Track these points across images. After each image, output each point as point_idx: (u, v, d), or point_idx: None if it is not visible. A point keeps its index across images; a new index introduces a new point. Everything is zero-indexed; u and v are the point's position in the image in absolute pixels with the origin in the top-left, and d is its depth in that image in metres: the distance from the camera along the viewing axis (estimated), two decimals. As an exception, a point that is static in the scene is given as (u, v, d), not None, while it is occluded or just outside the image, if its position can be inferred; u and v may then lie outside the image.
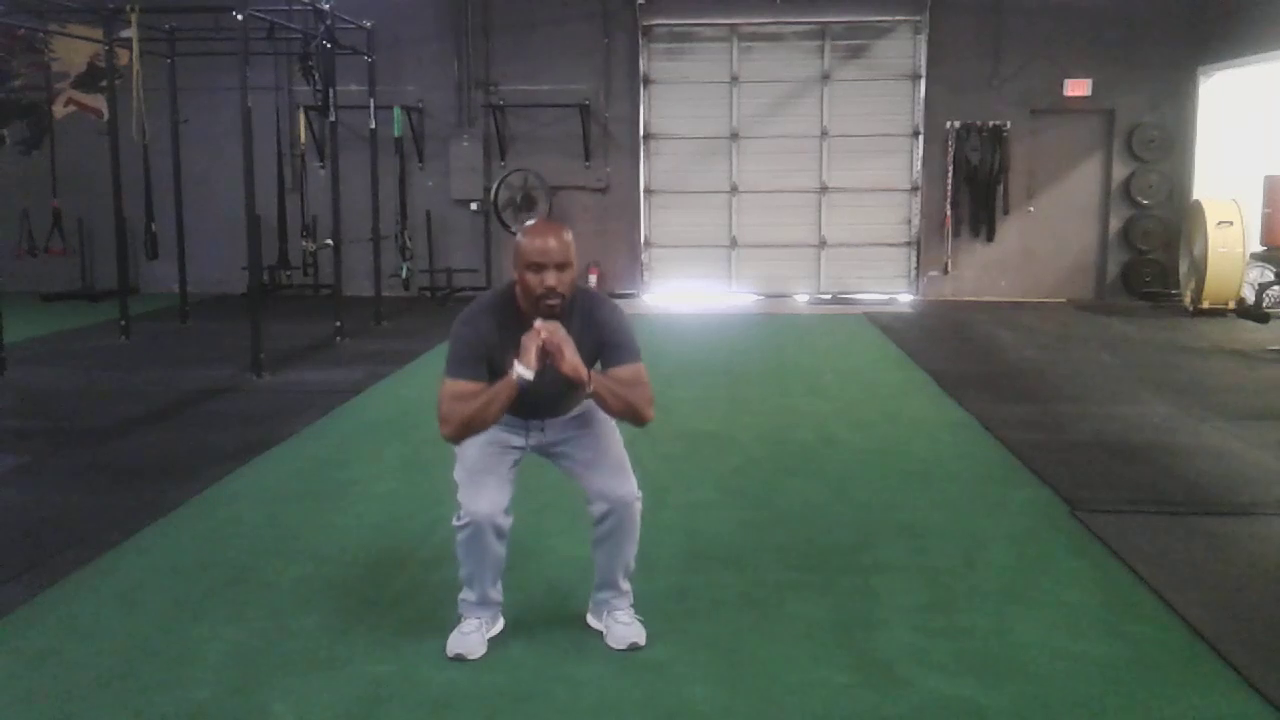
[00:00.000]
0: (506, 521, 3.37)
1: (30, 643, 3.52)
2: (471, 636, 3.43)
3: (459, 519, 3.35)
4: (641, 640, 3.48)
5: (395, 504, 5.00)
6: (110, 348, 9.36)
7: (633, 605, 3.58)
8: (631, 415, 3.29)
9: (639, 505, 3.45)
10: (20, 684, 3.25)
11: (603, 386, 3.24)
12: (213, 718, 3.05)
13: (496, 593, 3.50)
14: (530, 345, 3.16)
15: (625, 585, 3.56)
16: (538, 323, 3.19)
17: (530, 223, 3.34)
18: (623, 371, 3.29)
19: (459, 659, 3.37)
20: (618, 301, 3.49)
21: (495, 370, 3.25)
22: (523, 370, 3.15)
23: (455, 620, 3.49)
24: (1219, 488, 5.23)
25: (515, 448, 3.46)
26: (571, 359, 3.15)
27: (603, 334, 3.31)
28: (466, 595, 3.48)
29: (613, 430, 3.51)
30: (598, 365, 3.33)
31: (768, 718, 3.07)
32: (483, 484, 3.35)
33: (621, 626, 3.51)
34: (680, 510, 4.92)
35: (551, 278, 3.18)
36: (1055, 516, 4.82)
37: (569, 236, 3.24)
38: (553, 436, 3.48)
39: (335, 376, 8.02)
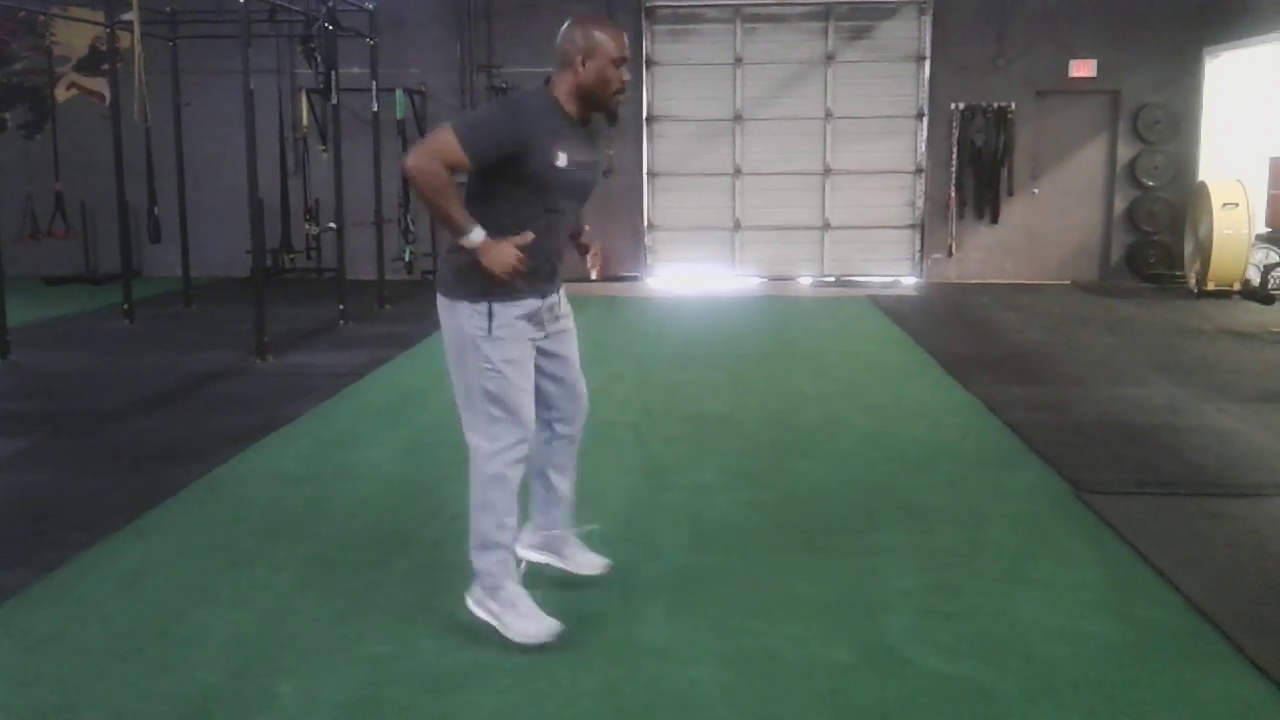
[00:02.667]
0: None
1: (35, 626, 3.53)
2: (546, 618, 3.29)
3: (505, 443, 3.14)
4: (610, 561, 3.41)
5: (399, 486, 5.01)
6: (113, 331, 9.36)
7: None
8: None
9: None
10: (25, 667, 3.25)
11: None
12: (219, 699, 3.06)
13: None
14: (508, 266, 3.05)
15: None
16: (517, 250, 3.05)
17: (581, 17, 3.24)
18: None
19: (551, 636, 3.25)
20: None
21: (518, 161, 3.08)
22: (475, 239, 3.04)
23: (497, 597, 3.27)
24: (1223, 469, 5.22)
25: (534, 337, 3.28)
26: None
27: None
28: (504, 557, 3.26)
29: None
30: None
31: (771, 699, 3.07)
32: (527, 398, 3.20)
33: (585, 554, 3.47)
34: (684, 492, 4.92)
35: (626, 72, 3.17)
36: (1059, 498, 4.82)
37: None
38: (553, 320, 3.35)
39: (339, 360, 8.02)
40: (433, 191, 3.01)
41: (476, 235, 3.06)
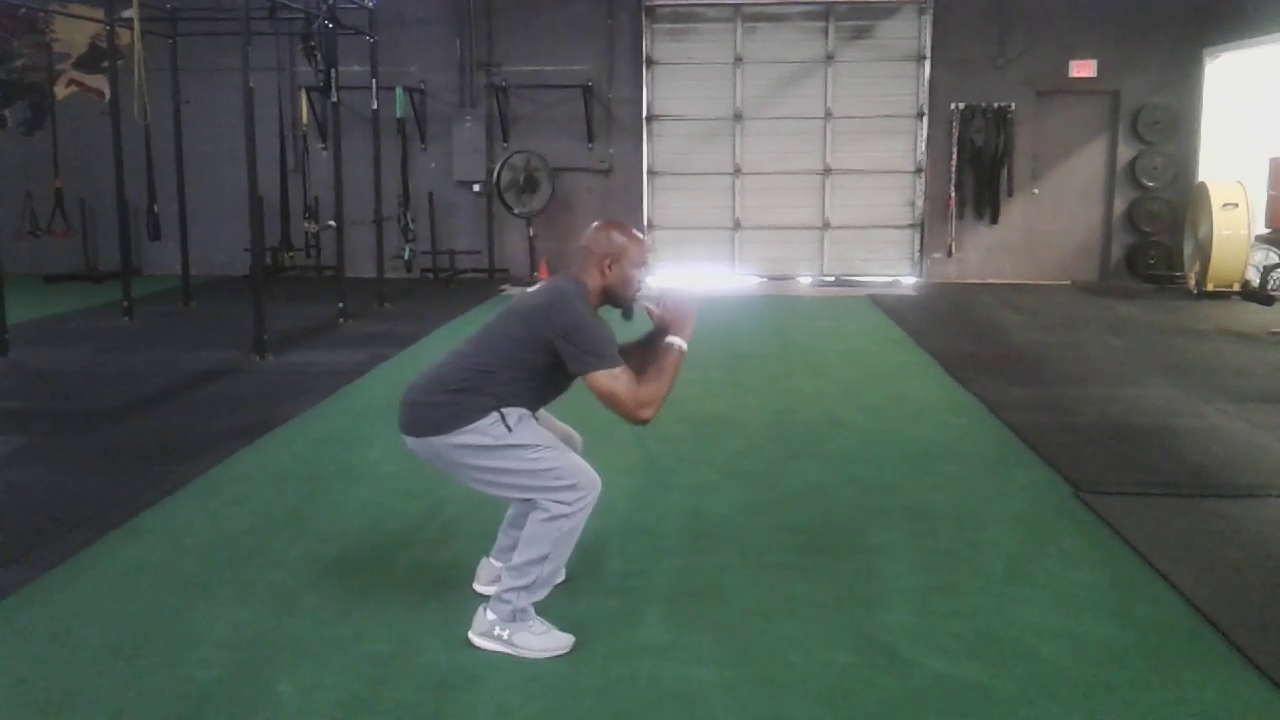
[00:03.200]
0: None
1: (35, 623, 3.52)
2: (555, 630, 3.37)
3: (580, 496, 3.29)
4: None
5: (399, 485, 5.00)
6: (113, 329, 9.35)
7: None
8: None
9: None
10: (25, 664, 3.25)
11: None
12: (218, 697, 3.05)
13: None
14: (689, 320, 3.42)
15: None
16: (665, 299, 3.46)
17: (613, 224, 3.48)
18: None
19: (567, 649, 3.32)
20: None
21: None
22: (683, 345, 3.40)
23: (521, 619, 3.33)
24: (1223, 470, 5.22)
25: None
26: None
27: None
28: (539, 595, 3.36)
29: None
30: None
31: (771, 698, 3.07)
32: (573, 456, 3.41)
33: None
34: (684, 492, 4.92)
35: (645, 273, 3.48)
36: (1059, 498, 4.82)
37: None
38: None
39: (338, 358, 8.02)
40: (658, 398, 3.34)
41: (684, 346, 3.42)
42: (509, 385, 3.32)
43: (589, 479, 3.33)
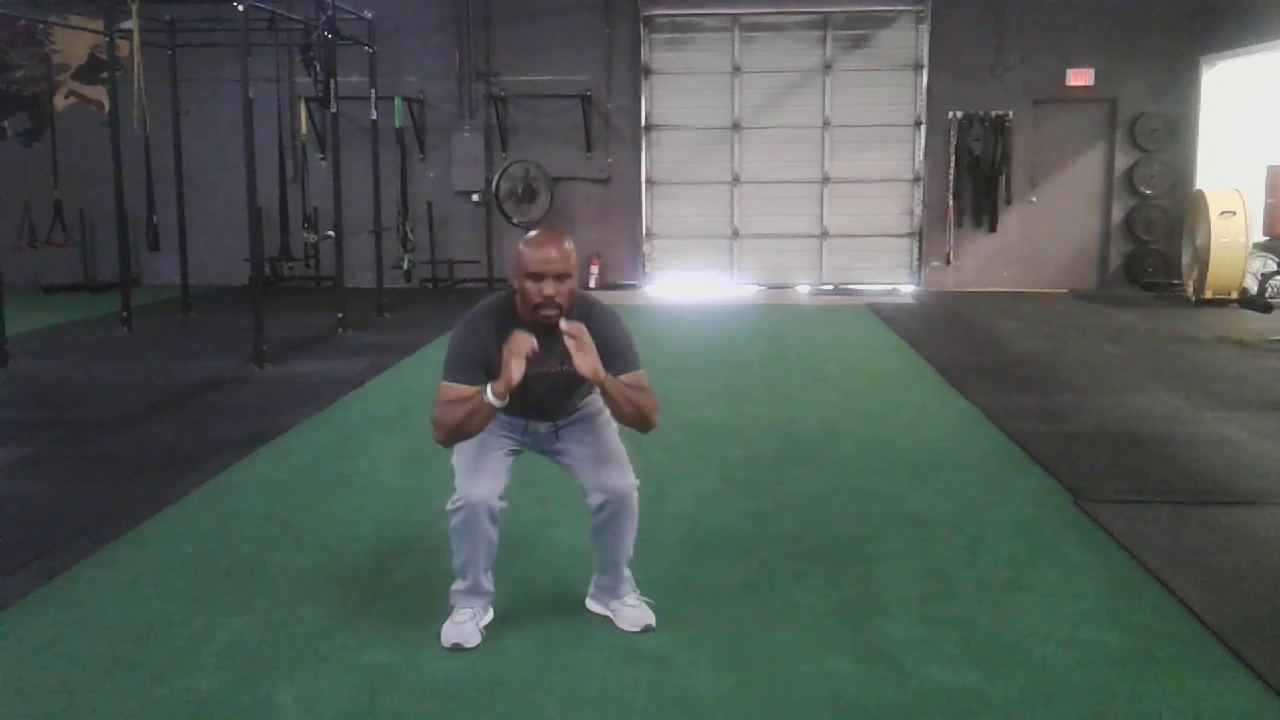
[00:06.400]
0: (499, 506, 3.38)
1: (34, 634, 3.52)
2: (466, 625, 3.43)
3: (454, 503, 3.34)
4: (653, 622, 3.52)
5: (398, 495, 5.00)
6: (112, 339, 9.36)
7: (635, 589, 3.61)
8: (640, 420, 3.34)
9: (637, 494, 3.48)
10: (24, 675, 3.25)
11: (616, 388, 3.25)
12: (217, 708, 3.05)
13: (488, 581, 3.50)
14: (510, 360, 3.14)
15: (627, 571, 3.58)
16: (516, 335, 3.18)
17: (532, 232, 3.35)
18: (627, 379, 3.32)
19: (456, 648, 3.37)
20: (613, 307, 3.50)
21: (492, 375, 3.24)
22: (492, 398, 3.18)
23: (447, 611, 3.49)
24: (1223, 477, 5.23)
25: (512, 441, 3.49)
26: (592, 361, 3.17)
27: (601, 343, 3.27)
28: (459, 585, 3.48)
29: (608, 423, 3.52)
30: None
31: (771, 707, 3.07)
32: (480, 468, 3.37)
33: (630, 609, 3.55)
34: (684, 500, 4.92)
35: (550, 287, 3.19)
36: (1059, 506, 4.82)
37: (570, 246, 3.26)
38: (549, 436, 3.52)
39: (338, 368, 8.02)
40: (465, 430, 3.24)
41: (492, 399, 3.20)
42: None
43: (462, 490, 3.33)
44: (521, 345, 3.16)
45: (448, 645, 3.39)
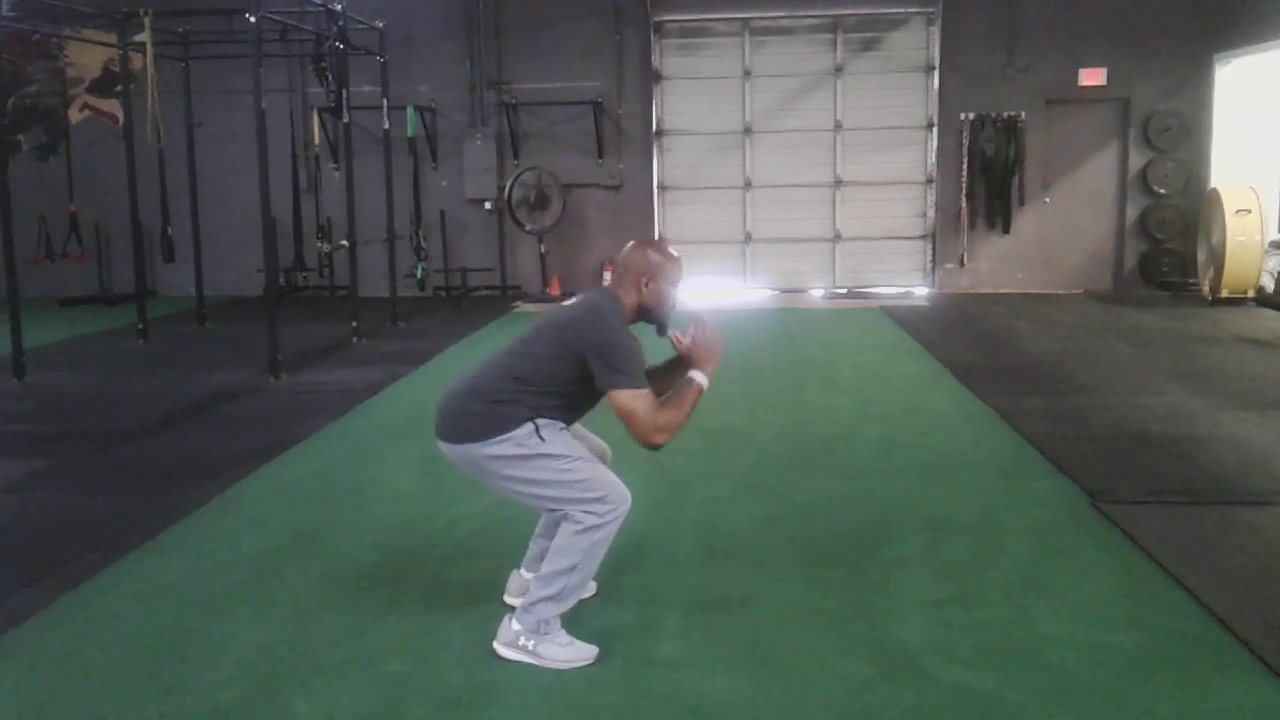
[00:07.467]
0: None
1: (52, 645, 3.54)
2: (579, 642, 3.39)
3: (613, 511, 3.32)
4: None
5: (414, 503, 5.02)
6: (128, 351, 9.41)
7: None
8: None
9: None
10: (43, 686, 3.26)
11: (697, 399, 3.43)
12: (236, 717, 3.06)
13: None
14: (715, 352, 3.48)
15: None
16: (694, 331, 3.50)
17: (645, 241, 3.60)
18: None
19: (591, 660, 3.34)
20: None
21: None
22: (704, 381, 3.43)
23: (546, 631, 3.33)
24: (1240, 477, 5.20)
25: None
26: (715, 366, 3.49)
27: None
28: (565, 606, 3.37)
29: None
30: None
31: (789, 712, 3.06)
32: (604, 469, 3.43)
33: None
34: (699, 506, 4.92)
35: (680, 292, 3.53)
36: (1075, 507, 4.80)
37: None
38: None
39: (352, 377, 8.04)
40: (673, 426, 3.35)
41: (704, 383, 3.44)
42: (542, 396, 3.35)
43: (619, 492, 3.35)
44: (718, 338, 3.50)
45: (593, 659, 3.34)
